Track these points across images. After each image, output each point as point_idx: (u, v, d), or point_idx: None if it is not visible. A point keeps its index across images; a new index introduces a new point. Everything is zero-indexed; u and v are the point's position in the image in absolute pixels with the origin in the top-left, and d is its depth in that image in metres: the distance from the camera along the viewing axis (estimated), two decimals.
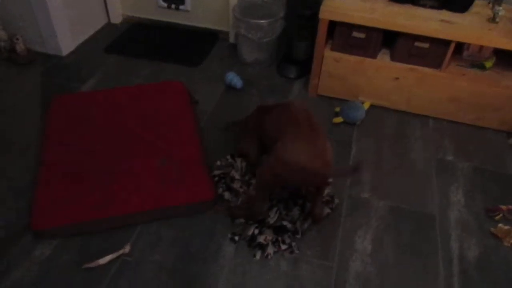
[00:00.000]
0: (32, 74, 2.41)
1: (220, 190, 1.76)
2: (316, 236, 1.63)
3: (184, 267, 1.50)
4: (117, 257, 1.52)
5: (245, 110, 2.16)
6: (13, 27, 2.48)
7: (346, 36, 2.12)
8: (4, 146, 1.94)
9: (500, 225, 1.70)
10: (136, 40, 2.77)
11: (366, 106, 2.19)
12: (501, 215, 1.73)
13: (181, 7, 2.79)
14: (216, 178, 1.80)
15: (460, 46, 2.11)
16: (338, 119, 2.17)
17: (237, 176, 1.79)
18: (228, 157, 1.88)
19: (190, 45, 2.72)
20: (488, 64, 2.11)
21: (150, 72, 2.47)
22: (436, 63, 2.09)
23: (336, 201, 1.75)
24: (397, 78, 2.16)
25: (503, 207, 1.76)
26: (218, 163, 1.86)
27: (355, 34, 2.10)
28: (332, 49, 2.20)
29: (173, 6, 2.81)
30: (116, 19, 2.94)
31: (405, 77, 2.14)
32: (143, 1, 2.85)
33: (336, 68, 2.21)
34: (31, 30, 2.48)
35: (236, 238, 1.60)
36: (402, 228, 1.68)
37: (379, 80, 2.19)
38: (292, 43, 2.43)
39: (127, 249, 1.55)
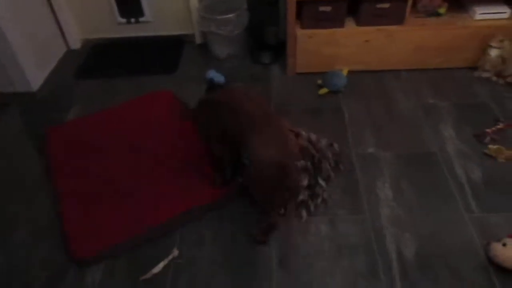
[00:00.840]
0: (10, 116, 2.34)
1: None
2: (342, 196, 1.76)
3: (234, 256, 1.58)
4: (169, 262, 1.57)
5: None
6: None
7: (314, 12, 2.26)
8: (14, 189, 1.90)
9: (490, 146, 1.92)
10: (103, 60, 2.76)
11: (345, 72, 2.34)
12: (489, 137, 1.96)
13: (141, 19, 2.81)
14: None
15: (414, 0, 2.31)
16: (324, 90, 2.31)
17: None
18: None
19: (160, 54, 2.75)
20: (442, 10, 2.33)
21: (130, 89, 2.47)
22: (399, 20, 2.28)
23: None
24: (367, 41, 2.33)
25: (488, 130, 1.98)
26: None
27: (322, 8, 2.24)
28: (302, 27, 2.33)
29: (132, 20, 2.81)
30: (75, 44, 2.90)
31: (374, 38, 2.32)
32: (100, 21, 2.83)
33: (310, 44, 2.35)
34: None
35: None
36: (412, 170, 1.85)
37: (351, 47, 2.35)
38: (262, 30, 2.53)
39: (175, 252, 1.60)
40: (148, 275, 1.53)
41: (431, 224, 1.64)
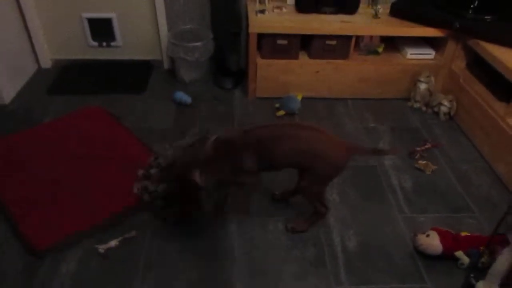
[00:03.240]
0: None
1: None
2: (296, 199, 2.00)
3: (200, 243, 1.76)
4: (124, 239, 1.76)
5: (201, 119, 2.53)
6: None
7: (272, 44, 2.58)
8: None
9: (420, 161, 2.27)
10: (74, 79, 2.91)
11: (300, 97, 2.66)
12: (418, 154, 2.31)
13: (112, 43, 3.01)
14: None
15: (357, 40, 2.71)
16: (281, 112, 2.60)
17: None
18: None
19: (129, 76, 2.95)
20: (380, 49, 2.74)
21: (100, 104, 2.63)
22: (344, 55, 2.65)
23: None
24: (317, 72, 2.68)
25: (418, 148, 2.34)
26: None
27: (279, 41, 2.57)
28: (262, 57, 2.64)
29: (104, 43, 3.01)
30: (46, 64, 3.03)
31: (323, 69, 2.67)
32: (72, 43, 3.00)
33: (268, 72, 2.66)
34: None
35: None
36: (356, 179, 2.15)
37: (304, 76, 2.68)
38: (225, 58, 2.82)
39: (133, 232, 1.77)
40: (104, 246, 1.70)
41: (370, 222, 1.91)
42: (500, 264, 1.38)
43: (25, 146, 2.24)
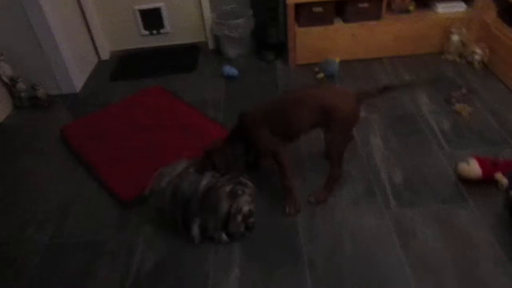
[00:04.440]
0: (59, 111, 2.80)
1: None
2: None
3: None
4: None
5: (249, 89, 2.79)
6: (29, 78, 2.83)
7: (308, 13, 2.80)
8: (65, 165, 2.34)
9: (457, 105, 2.42)
10: (132, 66, 3.25)
11: (338, 60, 2.86)
12: (455, 98, 2.46)
13: (161, 31, 3.33)
14: None
15: (389, 1, 2.86)
16: (320, 75, 2.82)
17: None
18: None
19: (180, 58, 3.26)
20: (411, 7, 2.89)
21: (157, 85, 2.95)
22: (377, 16, 2.83)
23: None
24: (353, 35, 2.86)
25: (454, 93, 2.49)
26: None
27: (315, 9, 2.78)
28: (300, 26, 2.86)
29: (154, 32, 3.33)
30: (105, 55, 3.39)
31: (358, 32, 2.86)
32: (126, 34, 3.35)
33: (307, 40, 2.88)
34: (46, 77, 2.87)
35: None
36: (396, 125, 2.34)
37: (341, 40, 2.88)
38: (265, 32, 3.06)
39: None
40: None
41: (413, 160, 2.11)
42: None
43: (103, 122, 2.59)
